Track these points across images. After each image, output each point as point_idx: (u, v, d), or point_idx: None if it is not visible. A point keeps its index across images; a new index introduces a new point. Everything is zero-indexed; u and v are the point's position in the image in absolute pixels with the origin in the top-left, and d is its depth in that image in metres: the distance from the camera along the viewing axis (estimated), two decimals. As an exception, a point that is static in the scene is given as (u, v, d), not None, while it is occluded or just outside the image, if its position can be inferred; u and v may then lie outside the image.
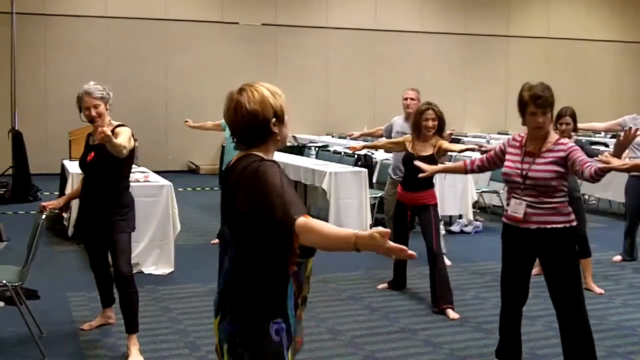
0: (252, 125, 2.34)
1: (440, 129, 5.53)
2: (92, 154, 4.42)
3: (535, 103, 3.73)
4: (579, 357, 3.83)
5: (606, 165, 3.50)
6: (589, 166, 3.58)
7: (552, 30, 17.92)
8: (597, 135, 12.77)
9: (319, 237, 2.10)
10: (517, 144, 3.94)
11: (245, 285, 2.31)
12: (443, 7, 16.93)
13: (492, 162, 4.12)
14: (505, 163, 3.96)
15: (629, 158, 6.38)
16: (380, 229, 1.97)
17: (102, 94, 4.40)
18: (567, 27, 17.98)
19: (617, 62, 18.64)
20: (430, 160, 5.43)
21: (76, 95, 4.44)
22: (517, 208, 3.83)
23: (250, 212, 2.25)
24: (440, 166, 4.81)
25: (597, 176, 3.54)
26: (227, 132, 7.72)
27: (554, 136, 3.87)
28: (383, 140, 6.77)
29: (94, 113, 4.36)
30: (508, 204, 3.96)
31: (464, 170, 4.39)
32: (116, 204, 4.43)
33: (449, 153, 5.80)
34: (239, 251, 2.33)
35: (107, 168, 4.38)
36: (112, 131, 4.21)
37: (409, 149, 5.58)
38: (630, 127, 3.77)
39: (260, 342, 2.29)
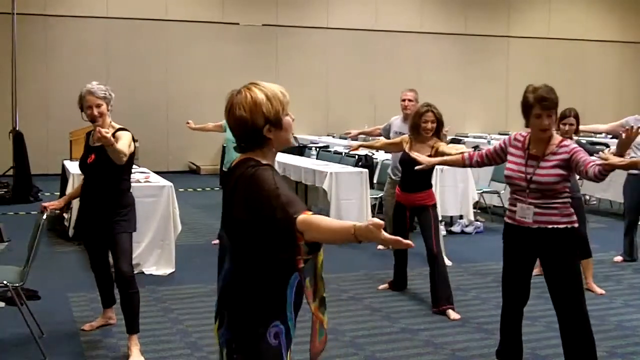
0: (243, 130, 2.30)
1: (438, 131, 5.51)
2: (93, 156, 4.40)
3: (541, 105, 3.70)
4: (579, 358, 3.83)
5: (606, 163, 3.50)
6: (592, 166, 3.58)
7: (552, 30, 17.93)
8: (597, 135, 12.77)
9: (320, 232, 2.09)
10: (519, 144, 3.90)
11: (242, 293, 2.29)
12: (443, 7, 16.93)
13: (492, 158, 4.09)
14: (508, 165, 3.93)
15: (629, 157, 6.38)
16: (375, 220, 1.98)
17: (104, 93, 4.39)
18: (567, 27, 17.98)
19: (616, 62, 18.65)
20: None
21: (78, 95, 4.43)
22: (526, 213, 3.81)
23: (249, 220, 2.23)
24: (437, 158, 4.70)
25: (601, 175, 3.54)
26: (228, 133, 7.79)
27: (556, 138, 3.83)
28: (381, 140, 6.75)
29: (95, 112, 4.35)
30: (511, 204, 3.94)
31: (461, 164, 4.35)
32: (117, 204, 4.43)
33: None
34: (237, 259, 2.31)
35: (108, 170, 4.36)
36: (113, 135, 4.18)
37: (406, 150, 5.56)
38: (632, 126, 3.75)
39: (257, 348, 2.28)
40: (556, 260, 3.82)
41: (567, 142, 3.83)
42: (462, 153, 4.41)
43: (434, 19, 16.83)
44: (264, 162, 2.30)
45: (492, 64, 17.44)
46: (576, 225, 3.85)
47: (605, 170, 3.51)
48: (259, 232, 2.22)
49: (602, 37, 18.36)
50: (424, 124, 5.44)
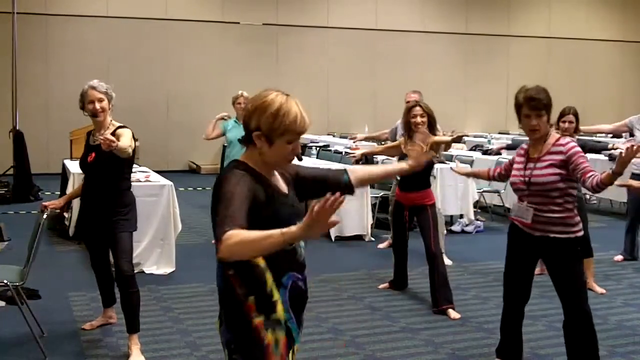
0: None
1: (431, 126, 5.52)
2: (93, 154, 4.41)
3: (529, 105, 3.72)
4: (582, 357, 3.81)
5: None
6: (591, 176, 3.54)
7: (553, 29, 17.93)
8: (598, 135, 12.76)
9: (243, 245, 2.02)
10: (522, 151, 3.94)
11: (228, 292, 2.30)
12: (444, 6, 16.93)
13: (508, 170, 4.11)
14: (512, 172, 3.97)
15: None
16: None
17: (106, 90, 4.42)
18: (567, 26, 17.98)
19: (617, 61, 18.64)
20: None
21: (79, 94, 4.43)
22: (524, 213, 3.81)
23: (213, 218, 2.24)
24: (468, 169, 4.85)
25: (599, 188, 3.52)
26: (230, 133, 7.78)
27: (553, 137, 3.81)
28: (380, 146, 6.76)
29: (97, 107, 4.36)
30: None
31: (487, 177, 4.45)
32: (118, 203, 4.43)
33: (443, 145, 5.74)
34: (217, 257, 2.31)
35: (108, 169, 4.37)
36: (113, 133, 4.25)
37: (403, 150, 5.59)
38: (632, 145, 3.62)
39: (254, 349, 2.28)
40: (558, 265, 3.81)
41: (563, 140, 3.79)
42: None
43: (435, 18, 16.83)
44: (252, 167, 2.30)
45: (492, 64, 17.43)
46: (580, 234, 3.79)
47: (603, 184, 3.49)
48: None
49: (603, 36, 18.36)
50: (413, 118, 5.50)
